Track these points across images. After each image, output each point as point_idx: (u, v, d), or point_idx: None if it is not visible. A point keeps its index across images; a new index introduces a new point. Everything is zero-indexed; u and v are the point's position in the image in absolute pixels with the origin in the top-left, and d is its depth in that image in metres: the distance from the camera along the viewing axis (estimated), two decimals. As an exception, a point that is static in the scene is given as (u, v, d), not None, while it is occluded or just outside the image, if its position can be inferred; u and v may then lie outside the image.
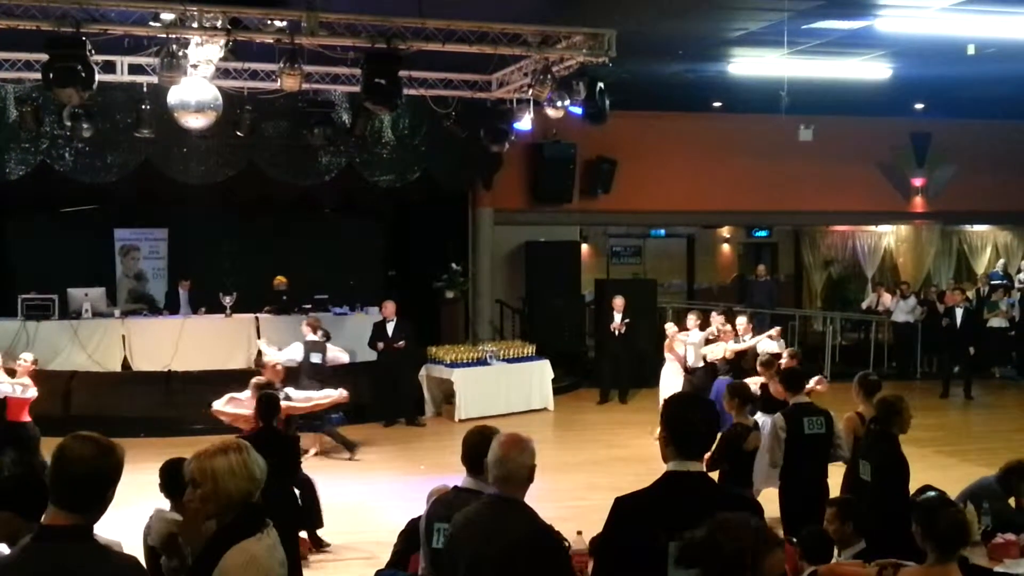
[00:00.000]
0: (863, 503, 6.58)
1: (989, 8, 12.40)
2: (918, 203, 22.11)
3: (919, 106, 20.64)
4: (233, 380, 14.72)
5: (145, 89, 13.09)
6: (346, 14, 10.88)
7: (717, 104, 20.05)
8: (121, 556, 3.49)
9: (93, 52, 10.21)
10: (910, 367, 19.50)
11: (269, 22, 10.88)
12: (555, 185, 19.02)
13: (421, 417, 15.30)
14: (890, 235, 24.36)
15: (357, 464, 12.44)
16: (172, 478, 5.54)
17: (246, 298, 15.95)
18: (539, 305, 18.55)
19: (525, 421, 14.77)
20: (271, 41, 11.06)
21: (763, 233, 25.40)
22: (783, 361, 11.10)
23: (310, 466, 9.89)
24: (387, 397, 15.16)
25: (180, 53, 10.75)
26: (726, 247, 26.21)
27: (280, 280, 16.18)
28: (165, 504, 5.78)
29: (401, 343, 14.86)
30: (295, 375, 12.47)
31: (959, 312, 17.77)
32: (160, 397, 14.55)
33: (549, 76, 12.11)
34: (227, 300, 15.62)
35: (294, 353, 12.93)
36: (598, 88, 12.36)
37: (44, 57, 10.35)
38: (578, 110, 12.75)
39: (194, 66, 11.21)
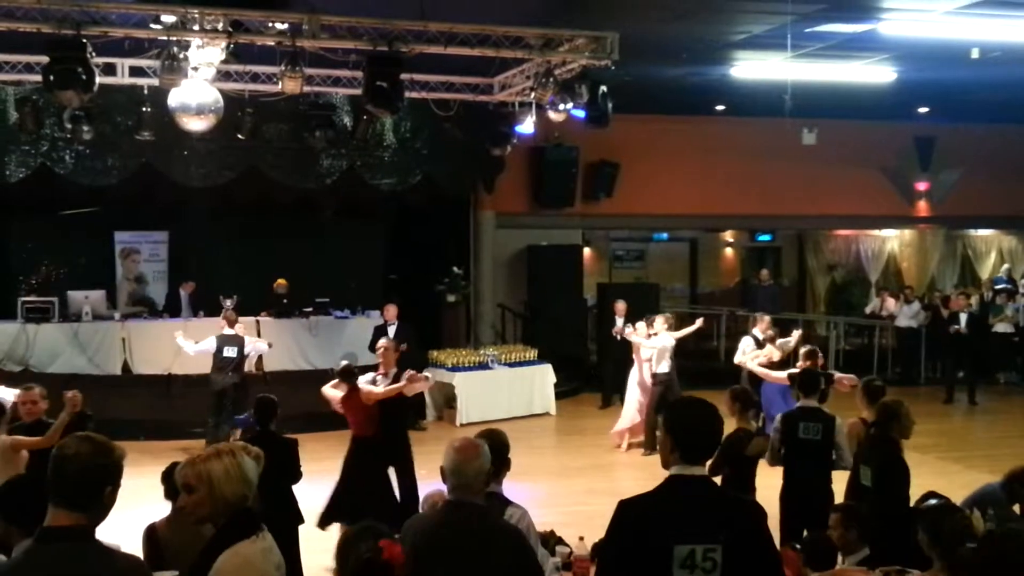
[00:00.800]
0: (865, 509, 6.52)
1: (993, 12, 12.34)
2: (922, 207, 22.06)
3: (923, 110, 20.58)
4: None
5: (146, 91, 13.08)
6: (347, 16, 10.84)
7: (720, 107, 20.01)
8: (125, 556, 3.49)
9: (94, 54, 10.19)
10: (914, 372, 19.43)
11: (270, 24, 10.84)
12: (557, 189, 18.98)
13: (422, 421, 15.23)
14: (894, 240, 24.30)
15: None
16: (174, 483, 5.49)
17: (247, 301, 15.89)
18: (541, 309, 18.50)
19: (526, 425, 14.71)
20: (272, 43, 11.02)
21: (766, 237, 25.35)
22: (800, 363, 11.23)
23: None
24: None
25: (181, 55, 10.73)
26: (729, 251, 26.16)
27: (280, 283, 16.14)
28: (165, 509, 5.74)
29: (403, 346, 14.80)
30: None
31: (963, 317, 17.72)
32: (160, 400, 14.51)
33: (551, 79, 12.08)
34: (228, 303, 15.56)
35: (207, 346, 12.83)
36: (600, 91, 12.31)
37: (44, 59, 10.33)
38: (580, 113, 12.69)
39: (195, 68, 11.20)
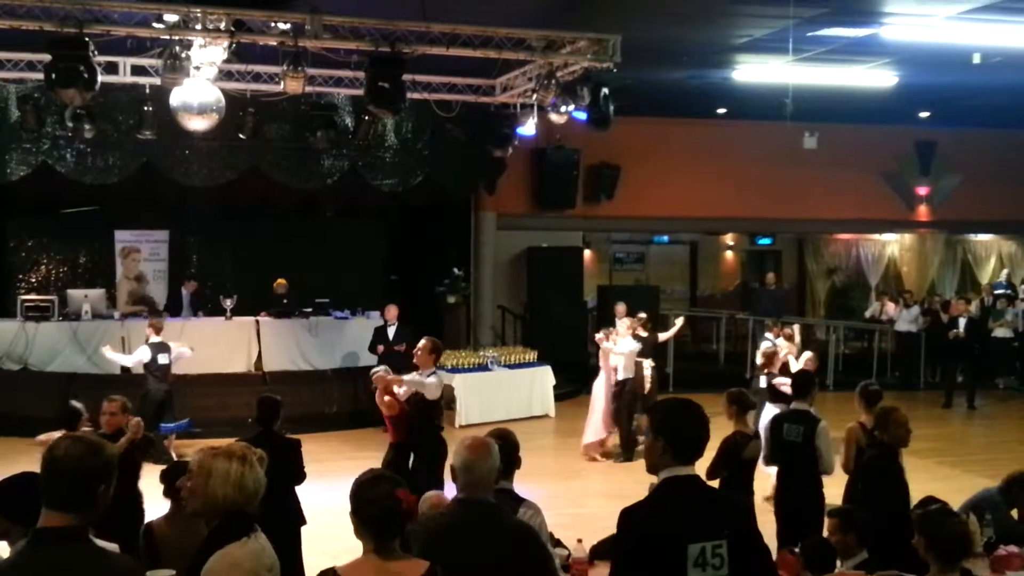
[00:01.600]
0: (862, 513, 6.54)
1: (995, 17, 12.35)
2: (922, 212, 22.06)
3: (924, 115, 20.59)
4: (233, 383, 14.79)
5: (147, 90, 13.07)
6: (350, 17, 10.84)
7: (721, 111, 20.02)
8: (119, 557, 3.51)
9: (96, 53, 10.18)
10: (913, 377, 19.43)
11: (273, 24, 10.84)
12: (558, 190, 18.99)
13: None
14: (894, 244, 24.31)
15: (355, 470, 12.26)
16: (173, 482, 5.50)
17: (247, 301, 15.90)
18: (541, 311, 18.51)
19: (526, 427, 14.69)
20: (274, 43, 11.02)
21: (767, 241, 25.35)
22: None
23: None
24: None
25: (183, 55, 10.74)
26: (729, 254, 26.17)
27: (280, 283, 16.13)
28: (164, 507, 5.74)
29: (402, 346, 14.83)
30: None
31: (963, 322, 17.73)
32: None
33: (553, 81, 12.08)
34: (228, 303, 15.58)
35: (142, 356, 12.79)
36: (602, 93, 12.31)
37: (47, 57, 10.32)
38: (582, 115, 12.70)
39: (197, 68, 11.21)
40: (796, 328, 15.00)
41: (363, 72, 11.25)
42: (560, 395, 16.52)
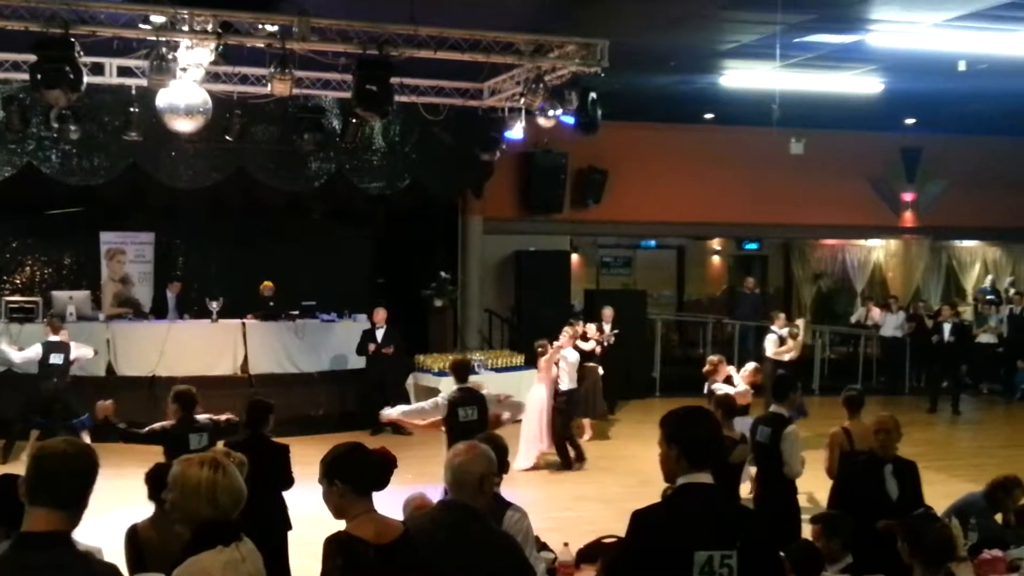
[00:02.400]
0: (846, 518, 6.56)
1: (980, 24, 12.42)
2: (908, 218, 22.15)
3: (910, 121, 20.69)
4: (219, 386, 14.71)
5: (134, 92, 13.03)
6: (338, 20, 10.84)
7: (709, 116, 20.07)
8: (101, 564, 3.50)
9: (82, 54, 10.14)
10: (899, 382, 19.51)
11: (260, 26, 10.84)
12: (546, 195, 18.99)
13: (408, 426, 15.21)
14: (880, 250, 24.40)
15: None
16: (157, 484, 5.48)
17: (233, 304, 15.84)
18: (528, 315, 18.49)
19: (513, 431, 14.66)
20: (262, 45, 11.02)
21: (753, 246, 25.40)
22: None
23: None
24: (374, 405, 15.07)
25: (170, 56, 10.72)
26: (716, 259, 26.21)
27: (267, 285, 16.08)
28: (148, 510, 5.71)
29: (389, 348, 14.84)
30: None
31: (947, 327, 17.81)
32: (144, 402, 14.39)
33: (541, 85, 12.09)
34: (214, 305, 15.52)
35: (32, 354, 12.88)
36: (590, 98, 12.34)
37: (32, 58, 10.28)
38: (570, 120, 12.71)
39: (184, 69, 11.18)
40: (802, 324, 15.19)
41: (351, 75, 11.25)
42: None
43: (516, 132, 14.21)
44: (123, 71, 12.71)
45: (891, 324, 19.50)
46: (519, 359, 16.32)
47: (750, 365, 12.03)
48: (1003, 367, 19.89)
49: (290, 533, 7.71)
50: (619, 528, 4.18)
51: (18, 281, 17.00)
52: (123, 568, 4.84)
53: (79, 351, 13.12)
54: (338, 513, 4.15)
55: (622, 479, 11.86)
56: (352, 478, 4.14)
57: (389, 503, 7.10)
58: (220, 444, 7.61)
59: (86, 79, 10.22)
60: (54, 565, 3.16)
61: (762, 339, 16.62)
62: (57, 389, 12.81)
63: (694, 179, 20.04)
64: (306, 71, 12.58)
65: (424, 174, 16.45)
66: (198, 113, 11.57)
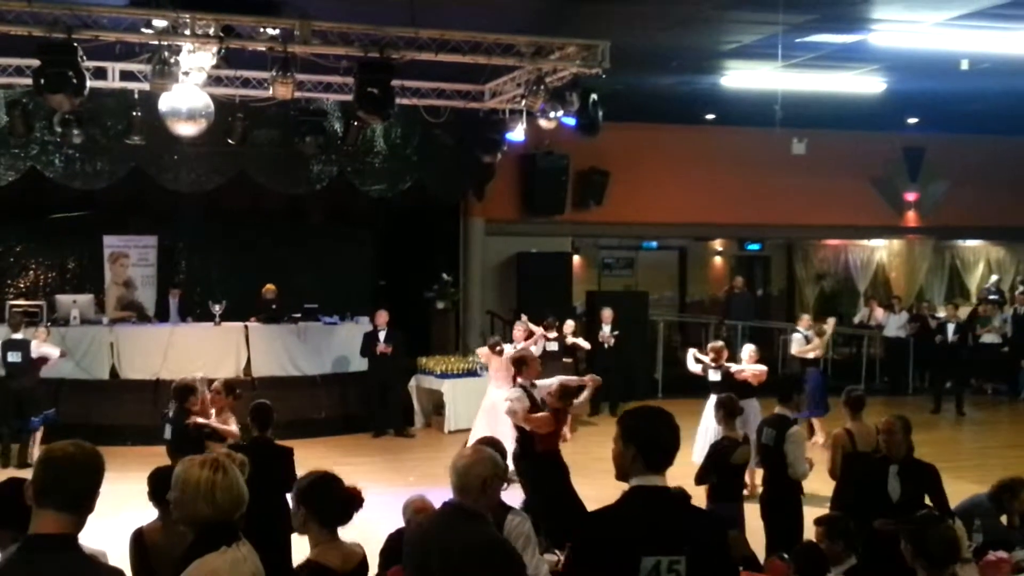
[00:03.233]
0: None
1: (983, 24, 12.41)
2: (911, 218, 22.14)
3: (912, 121, 20.66)
4: (221, 389, 14.73)
5: (136, 96, 13.06)
6: (339, 23, 10.84)
7: (710, 116, 20.05)
8: (107, 568, 3.50)
9: (84, 58, 10.16)
10: (902, 382, 19.48)
11: (262, 30, 10.84)
12: (547, 196, 18.98)
13: (410, 428, 15.24)
14: (883, 250, 24.36)
15: (345, 475, 12.25)
16: (159, 486, 5.48)
17: (236, 306, 15.85)
18: (530, 316, 18.48)
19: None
20: (264, 49, 11.03)
21: (755, 246, 25.35)
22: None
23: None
24: (376, 407, 15.11)
25: (172, 60, 10.71)
26: (718, 260, 26.16)
27: (269, 288, 16.10)
28: (153, 513, 5.72)
29: (388, 348, 14.88)
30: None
31: (951, 327, 17.80)
32: (148, 406, 14.42)
33: (542, 87, 12.07)
34: (216, 308, 15.53)
35: None
36: (591, 99, 12.33)
37: (35, 63, 10.29)
38: (571, 121, 12.70)
39: (186, 73, 11.19)
40: (831, 323, 15.24)
41: (352, 78, 11.26)
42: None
43: (517, 134, 14.21)
44: (126, 75, 12.73)
45: (894, 324, 19.48)
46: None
47: (750, 346, 12.29)
48: (1007, 367, 19.86)
49: (293, 535, 7.72)
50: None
51: (22, 285, 17.02)
52: (128, 572, 4.86)
53: (42, 349, 13.07)
54: (302, 531, 4.46)
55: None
56: (318, 509, 4.40)
57: (390, 505, 7.14)
58: (223, 447, 7.66)
59: (89, 83, 10.25)
60: (61, 568, 3.16)
61: (756, 339, 16.71)
62: (22, 388, 12.88)
63: (696, 180, 20.03)
64: (307, 74, 12.59)
65: (425, 176, 16.45)
66: (200, 117, 11.59)
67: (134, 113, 13.40)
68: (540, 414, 9.10)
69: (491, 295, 19.05)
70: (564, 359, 15.29)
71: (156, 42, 10.65)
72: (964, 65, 14.19)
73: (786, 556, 6.08)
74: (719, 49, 14.33)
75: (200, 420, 8.85)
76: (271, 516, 6.90)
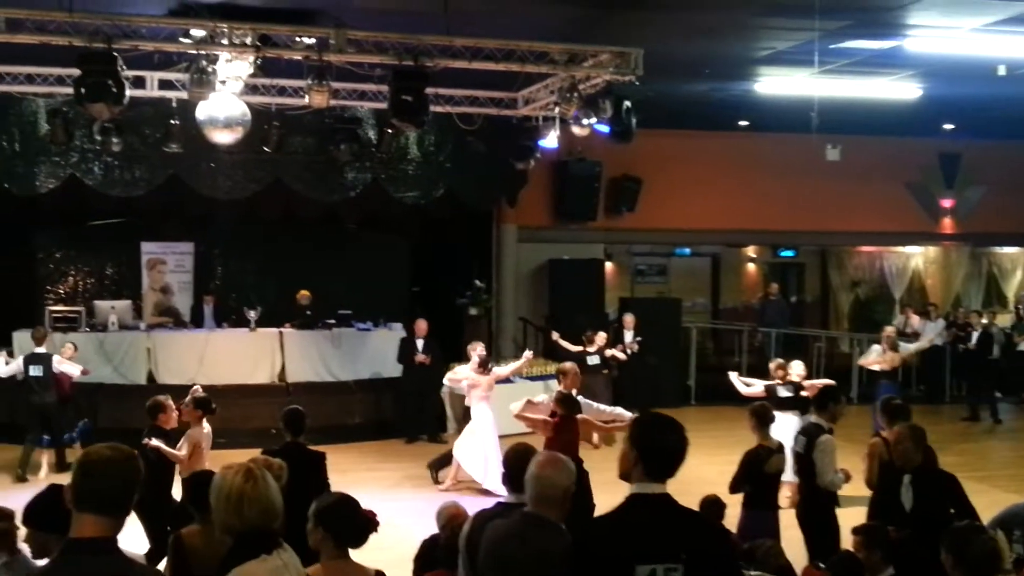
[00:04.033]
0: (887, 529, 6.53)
1: (1020, 29, 12.29)
2: (947, 224, 21.97)
3: (948, 126, 20.49)
4: (258, 394, 14.88)
5: (174, 104, 13.20)
6: (374, 32, 10.92)
7: (744, 123, 19.99)
8: (147, 570, 3.58)
9: (124, 68, 10.28)
10: (939, 390, 19.30)
11: (298, 39, 10.94)
12: (580, 203, 19.00)
13: (443, 434, 15.27)
14: (919, 256, 24.17)
15: (378, 481, 12.40)
16: (197, 491, 5.53)
17: (271, 312, 15.99)
18: (562, 323, 18.48)
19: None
20: (299, 58, 11.12)
21: (789, 253, 25.26)
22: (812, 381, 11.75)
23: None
24: (410, 414, 15.17)
25: (210, 69, 10.85)
26: (752, 266, 26.08)
27: (304, 295, 16.22)
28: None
29: (427, 359, 14.94)
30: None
31: (976, 335, 17.70)
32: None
33: (575, 94, 12.10)
34: (252, 314, 15.66)
35: (14, 368, 12.77)
36: (624, 106, 12.33)
37: (76, 72, 10.43)
38: (604, 128, 12.72)
39: (223, 82, 11.32)
40: (909, 349, 15.03)
41: (387, 86, 11.33)
42: (583, 407, 16.48)
43: (550, 141, 14.23)
44: (164, 84, 12.88)
45: (931, 332, 19.30)
46: (553, 367, 16.28)
47: (799, 363, 12.20)
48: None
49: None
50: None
51: (61, 291, 17.24)
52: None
53: (63, 367, 12.74)
54: (315, 547, 4.53)
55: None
56: (335, 530, 4.49)
57: (423, 511, 7.19)
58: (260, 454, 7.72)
59: (128, 92, 10.36)
60: (102, 571, 3.19)
61: (790, 346, 16.64)
62: (45, 403, 12.56)
63: (729, 186, 19.97)
64: (343, 82, 12.67)
65: (459, 183, 16.52)
66: (237, 125, 11.71)
67: (172, 121, 13.54)
68: (536, 416, 9.51)
69: (524, 302, 19.08)
70: (603, 371, 15.27)
71: (194, 51, 10.79)
72: (1001, 71, 14.07)
73: (822, 566, 6.05)
74: (753, 56, 14.29)
75: (153, 442, 8.64)
76: (303, 521, 6.95)
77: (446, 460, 12.51)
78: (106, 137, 13.62)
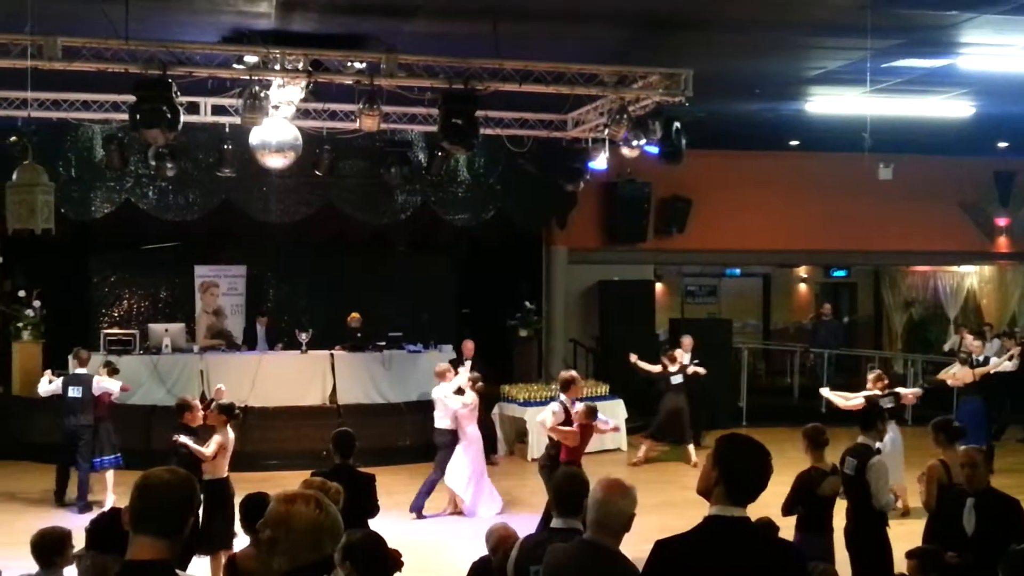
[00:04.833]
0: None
1: (1076, 46, 12.13)
2: (1002, 243, 21.65)
3: (1003, 145, 20.22)
4: (308, 416, 14.97)
5: (227, 129, 13.36)
6: (424, 55, 11.00)
7: (794, 142, 19.87)
8: None
9: (179, 94, 10.44)
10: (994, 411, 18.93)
11: (349, 64, 11.05)
12: (629, 224, 18.98)
13: (493, 456, 15.25)
14: (973, 276, 23.83)
15: (429, 502, 12.40)
16: (252, 512, 5.58)
17: (321, 334, 16.10)
18: (613, 344, 18.45)
19: (598, 461, 14.61)
20: (351, 82, 11.23)
21: (841, 273, 25.03)
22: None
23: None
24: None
25: (262, 94, 10.98)
26: (803, 287, 25.87)
27: (354, 317, 16.32)
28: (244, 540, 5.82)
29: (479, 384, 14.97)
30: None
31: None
32: (236, 432, 14.68)
33: (625, 116, 12.10)
34: (303, 337, 15.79)
35: (54, 388, 12.50)
36: (674, 127, 12.29)
37: (130, 98, 10.59)
38: (654, 149, 12.68)
39: (275, 107, 11.46)
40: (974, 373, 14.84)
41: (437, 109, 11.40)
42: (632, 429, 16.43)
43: (600, 162, 14.22)
44: (217, 109, 13.05)
45: (986, 352, 18.97)
46: (604, 388, 16.30)
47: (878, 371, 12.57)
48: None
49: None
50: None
51: (116, 314, 17.49)
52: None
53: (103, 384, 12.50)
54: None
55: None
56: (361, 566, 4.61)
57: (473, 533, 7.18)
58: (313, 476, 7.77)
59: (182, 118, 10.50)
60: None
61: (843, 365, 16.47)
62: (78, 425, 12.25)
63: (780, 206, 19.85)
64: (393, 106, 12.77)
65: (509, 205, 16.58)
66: (289, 149, 11.83)
67: (225, 146, 13.71)
68: (568, 428, 10.35)
69: (574, 323, 19.07)
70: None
71: (247, 77, 10.93)
72: (1057, 88, 13.89)
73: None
74: (804, 75, 14.21)
75: (181, 438, 9.16)
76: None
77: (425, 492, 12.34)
78: (160, 162, 13.82)
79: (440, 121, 11.24)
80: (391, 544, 8.02)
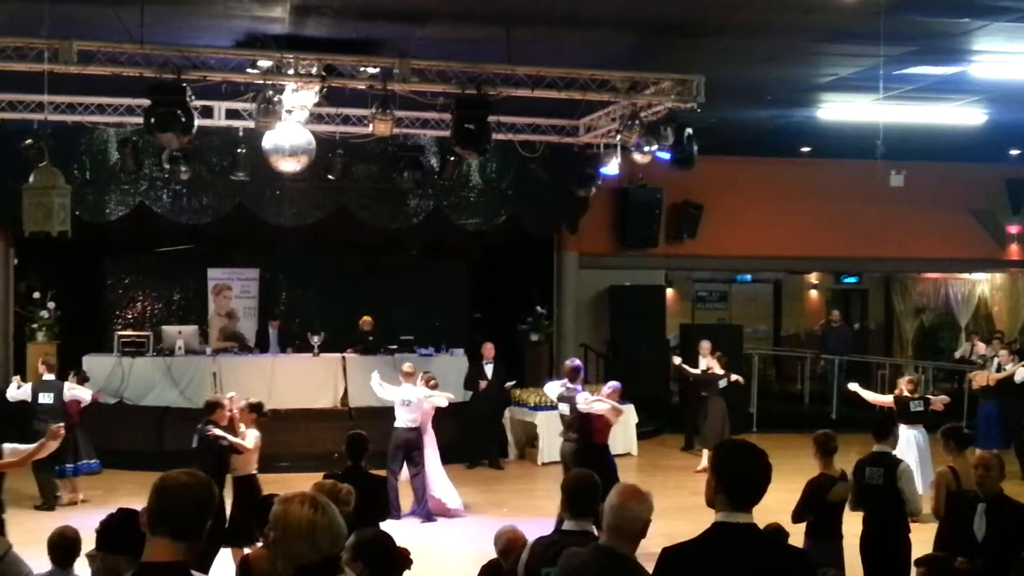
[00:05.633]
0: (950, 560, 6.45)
1: (1089, 53, 12.14)
2: (1014, 251, 21.61)
3: (1015, 152, 20.19)
4: (320, 418, 15.03)
5: (241, 133, 13.46)
6: (437, 61, 11.06)
7: (806, 149, 19.88)
8: None
9: (193, 98, 10.53)
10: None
11: (362, 69, 11.13)
12: (641, 229, 19.01)
13: (502, 460, 15.29)
14: (984, 283, 23.77)
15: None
16: (262, 514, 5.62)
17: (333, 337, 16.16)
18: (623, 349, 18.47)
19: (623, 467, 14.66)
20: (364, 87, 11.30)
21: (852, 279, 24.99)
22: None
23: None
24: (472, 439, 15.21)
25: (276, 99, 11.06)
26: (814, 293, 25.84)
27: (366, 320, 16.38)
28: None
29: (510, 383, 15.07)
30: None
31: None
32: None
33: (637, 121, 12.14)
34: (315, 340, 15.84)
35: (23, 394, 12.23)
36: (686, 133, 12.33)
37: (145, 102, 10.69)
38: (666, 155, 12.72)
39: (289, 111, 11.53)
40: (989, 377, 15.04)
41: (449, 114, 11.46)
42: (643, 433, 16.46)
43: (611, 168, 14.26)
44: (231, 113, 13.14)
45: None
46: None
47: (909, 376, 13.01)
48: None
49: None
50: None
51: (130, 316, 17.58)
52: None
53: (74, 392, 12.31)
54: None
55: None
56: (372, 564, 4.69)
57: (482, 536, 7.21)
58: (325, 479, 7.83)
59: (196, 122, 10.58)
60: None
61: (853, 372, 16.49)
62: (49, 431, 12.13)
63: (791, 213, 19.85)
64: (406, 111, 12.84)
65: (520, 210, 16.62)
66: (302, 153, 11.90)
67: (239, 150, 13.81)
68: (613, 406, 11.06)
69: (585, 328, 19.08)
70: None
71: (261, 81, 11.01)
72: (1069, 95, 13.89)
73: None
74: (815, 82, 14.24)
75: (217, 432, 9.23)
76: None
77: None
78: (174, 166, 13.91)
79: (453, 126, 11.31)
80: (400, 544, 8.09)
